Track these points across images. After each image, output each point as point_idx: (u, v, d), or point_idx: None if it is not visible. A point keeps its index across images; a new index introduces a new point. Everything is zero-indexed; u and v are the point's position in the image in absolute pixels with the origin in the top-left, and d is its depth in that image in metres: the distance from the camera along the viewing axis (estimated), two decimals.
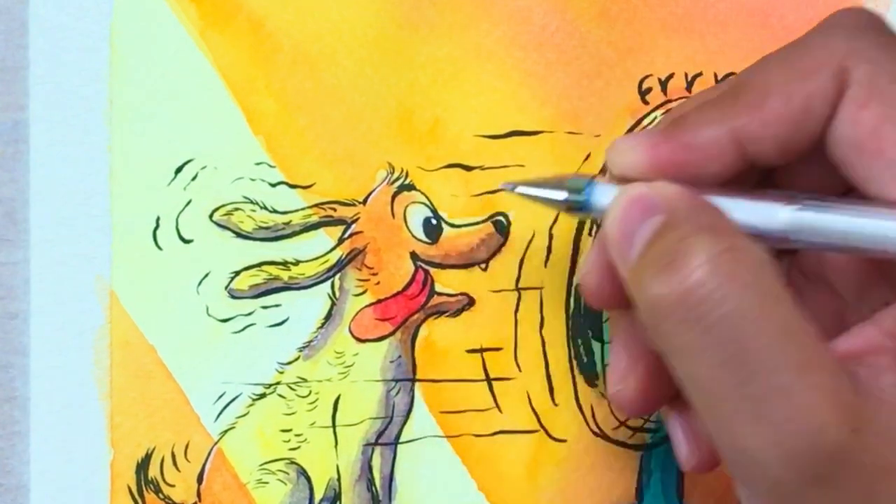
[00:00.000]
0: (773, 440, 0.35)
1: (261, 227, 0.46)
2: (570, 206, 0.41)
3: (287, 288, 0.46)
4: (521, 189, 0.42)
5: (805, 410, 0.34)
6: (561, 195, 0.41)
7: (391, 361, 0.46)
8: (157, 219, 0.45)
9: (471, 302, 0.47)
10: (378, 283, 0.46)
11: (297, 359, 0.46)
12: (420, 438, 0.47)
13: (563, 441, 0.47)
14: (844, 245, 0.38)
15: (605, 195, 0.40)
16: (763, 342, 0.35)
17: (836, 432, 0.34)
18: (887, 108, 0.37)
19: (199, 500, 0.45)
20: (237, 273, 0.46)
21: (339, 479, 0.46)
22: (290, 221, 0.46)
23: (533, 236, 0.47)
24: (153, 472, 0.45)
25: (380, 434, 0.46)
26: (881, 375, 0.36)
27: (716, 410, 0.36)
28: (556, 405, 0.47)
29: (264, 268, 0.46)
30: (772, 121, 0.38)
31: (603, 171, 0.46)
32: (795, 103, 0.38)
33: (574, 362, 0.47)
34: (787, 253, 0.41)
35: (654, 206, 0.38)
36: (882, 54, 0.37)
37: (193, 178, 0.45)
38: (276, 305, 0.46)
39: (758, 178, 0.41)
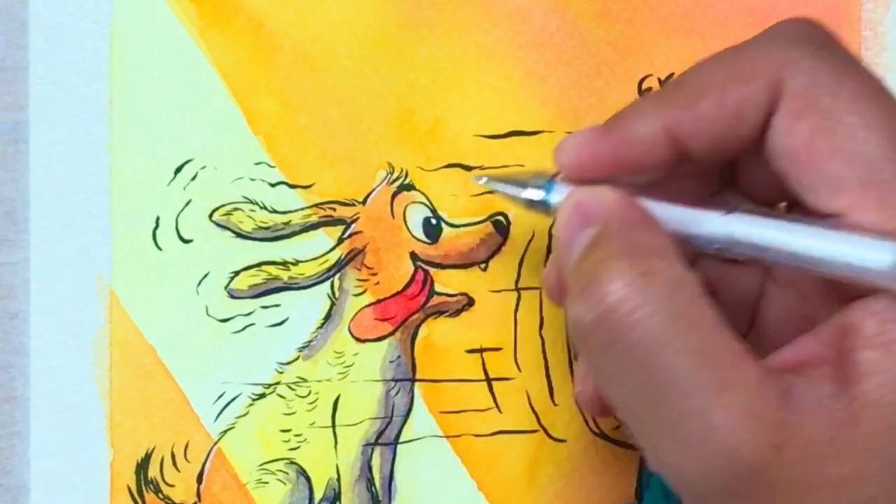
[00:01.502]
0: (692, 459, 0.35)
1: (260, 227, 0.46)
2: (531, 204, 0.41)
3: (287, 288, 0.46)
4: (486, 182, 0.42)
5: (721, 430, 0.35)
6: (522, 192, 0.41)
7: (391, 361, 0.46)
8: (157, 219, 0.45)
9: (470, 302, 0.47)
10: (378, 283, 0.46)
11: (296, 359, 0.46)
12: (420, 438, 0.47)
13: (563, 441, 0.47)
14: (774, 258, 0.38)
15: (560, 195, 0.40)
16: (677, 365, 0.35)
17: (754, 450, 0.35)
18: (821, 120, 0.37)
19: (199, 500, 0.45)
20: (237, 273, 0.46)
21: (338, 479, 0.46)
22: (290, 221, 0.46)
23: (533, 236, 0.47)
24: (153, 472, 0.45)
25: (379, 434, 0.46)
26: (818, 386, 0.36)
27: (638, 428, 0.37)
28: (555, 405, 0.47)
29: (264, 268, 0.46)
30: (705, 119, 0.38)
31: None
32: (728, 106, 0.38)
33: (574, 362, 0.47)
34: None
35: (590, 217, 0.38)
36: (820, 66, 0.37)
37: (193, 178, 0.45)
38: (276, 305, 0.46)
39: (720, 183, 0.41)
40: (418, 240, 0.47)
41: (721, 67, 0.39)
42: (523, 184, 0.41)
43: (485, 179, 0.42)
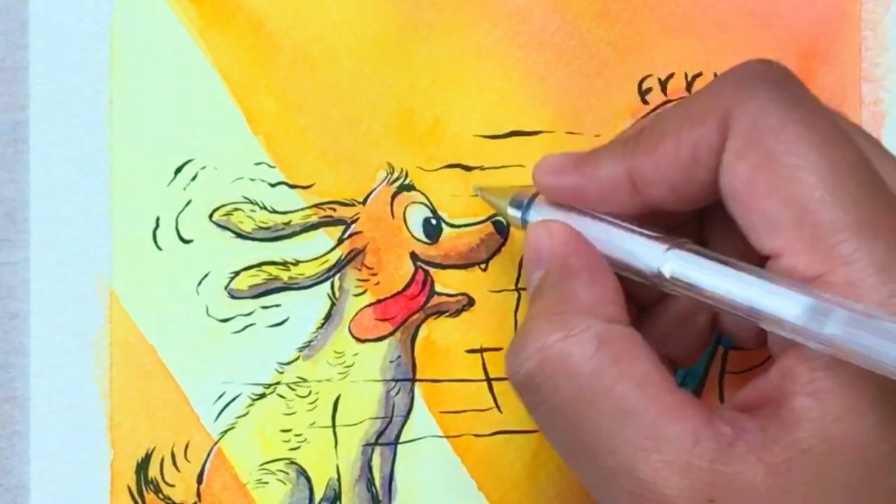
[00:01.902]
0: None
1: (260, 228, 0.46)
2: (513, 220, 0.43)
3: (287, 288, 0.46)
4: (478, 192, 0.44)
5: (650, 486, 0.36)
6: (507, 209, 0.43)
7: (391, 361, 0.46)
8: (157, 219, 0.45)
9: (471, 302, 0.47)
10: (378, 283, 0.46)
11: (296, 359, 0.46)
12: (420, 438, 0.47)
13: None
14: (705, 300, 0.37)
15: (538, 215, 0.42)
16: (600, 424, 0.36)
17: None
18: (762, 160, 0.37)
19: (199, 500, 0.45)
20: (237, 273, 0.46)
21: (338, 480, 0.46)
22: (290, 221, 0.46)
23: None
24: (153, 472, 0.45)
25: (380, 434, 0.46)
26: (766, 429, 0.36)
27: (579, 477, 0.38)
28: None
29: (264, 268, 0.46)
30: (663, 165, 0.39)
31: None
32: (684, 150, 0.38)
33: None
34: None
35: (540, 259, 0.40)
36: (766, 106, 0.37)
37: (193, 179, 0.45)
38: (276, 305, 0.46)
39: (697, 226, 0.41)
40: (418, 240, 0.47)
41: (678, 111, 0.39)
42: (507, 200, 0.43)
43: (478, 190, 0.44)
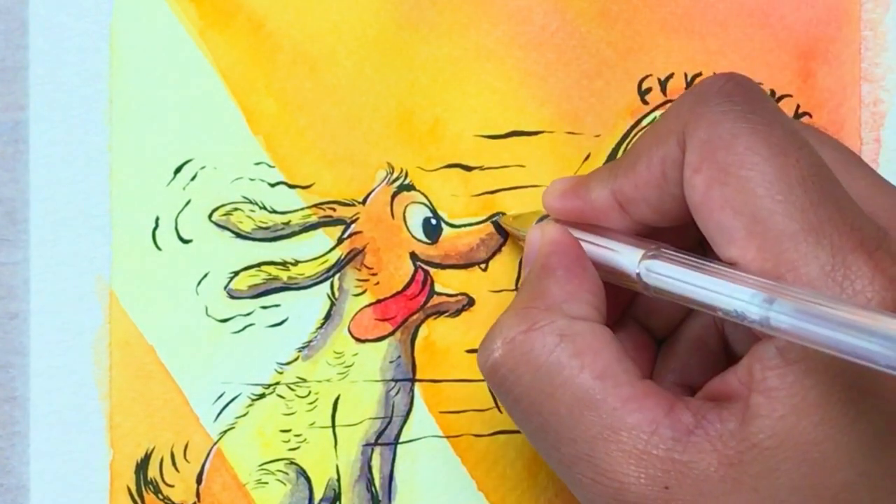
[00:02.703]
0: (587, 498, 0.39)
1: (260, 228, 0.46)
2: None
3: (286, 288, 0.46)
4: (501, 220, 0.46)
5: (607, 474, 0.38)
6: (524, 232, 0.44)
7: (391, 361, 0.46)
8: (157, 219, 0.45)
9: (471, 302, 0.47)
10: (377, 283, 0.46)
11: (296, 359, 0.46)
12: (420, 438, 0.47)
13: None
14: (683, 302, 0.39)
15: None
16: (560, 416, 0.38)
17: (640, 492, 0.37)
18: (715, 172, 0.38)
19: (199, 500, 0.45)
20: (236, 273, 0.46)
21: (338, 480, 0.46)
22: (290, 221, 0.46)
23: None
24: (152, 472, 0.45)
25: (379, 434, 0.46)
26: (725, 422, 0.37)
27: (548, 462, 0.40)
28: None
29: (263, 268, 0.46)
30: (640, 185, 0.40)
31: None
32: (655, 169, 0.40)
33: None
34: None
35: (528, 257, 0.42)
36: (720, 120, 0.38)
37: (193, 178, 0.45)
38: (276, 305, 0.46)
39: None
40: (418, 240, 0.47)
41: (649, 132, 0.41)
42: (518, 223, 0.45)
43: (501, 218, 0.46)
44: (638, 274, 0.40)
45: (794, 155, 0.38)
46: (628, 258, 0.40)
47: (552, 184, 0.43)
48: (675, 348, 0.44)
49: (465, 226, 0.47)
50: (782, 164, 0.37)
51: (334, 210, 0.46)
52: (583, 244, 0.42)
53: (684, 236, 0.42)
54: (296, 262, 0.46)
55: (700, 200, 0.38)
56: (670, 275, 0.39)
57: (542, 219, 0.44)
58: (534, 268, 0.42)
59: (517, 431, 0.47)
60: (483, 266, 0.47)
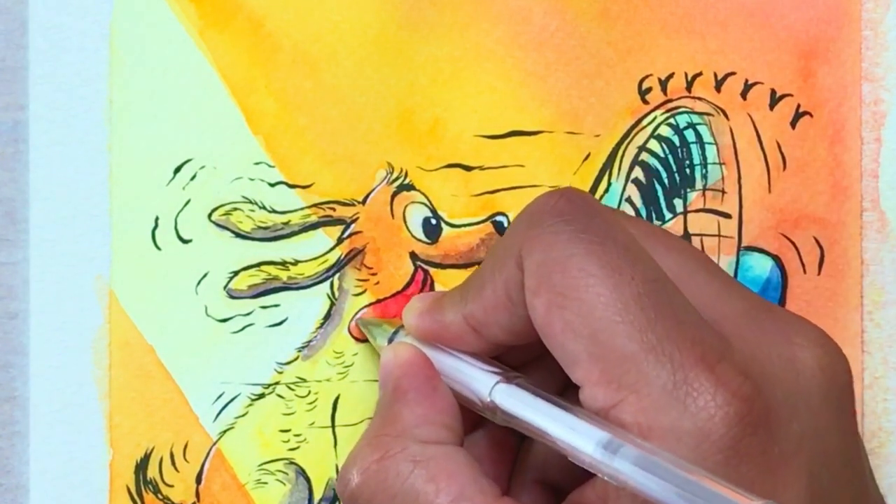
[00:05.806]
0: None
1: (260, 227, 0.46)
2: (380, 348, 0.45)
3: (286, 288, 0.46)
4: (359, 323, 0.46)
5: None
6: (377, 338, 0.45)
7: None
8: (156, 219, 0.45)
9: None
10: (377, 283, 0.46)
11: (296, 359, 0.46)
12: None
13: None
14: (528, 431, 0.39)
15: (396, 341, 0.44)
16: None
17: None
18: (552, 296, 0.38)
19: (198, 500, 0.45)
20: (236, 273, 0.46)
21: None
22: (289, 221, 0.46)
23: None
24: (152, 472, 0.45)
25: None
26: None
27: None
28: None
29: (263, 268, 0.46)
30: (489, 308, 0.40)
31: None
32: (500, 292, 0.40)
33: None
34: None
35: (382, 380, 0.42)
36: (553, 241, 0.38)
37: (192, 178, 0.45)
38: (275, 305, 0.46)
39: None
40: (418, 240, 0.46)
41: (491, 255, 0.41)
42: (378, 329, 0.45)
43: (359, 320, 0.46)
44: (489, 402, 0.40)
45: (628, 272, 0.38)
46: (480, 386, 0.40)
47: (412, 301, 0.43)
48: (534, 445, 0.43)
49: (464, 226, 0.47)
50: (617, 283, 0.37)
51: (334, 210, 0.46)
52: (440, 365, 0.42)
53: (545, 349, 0.41)
54: (295, 262, 0.46)
55: (542, 323, 0.38)
56: (517, 411, 0.39)
57: (397, 331, 0.44)
58: (386, 391, 0.42)
59: None
60: None
